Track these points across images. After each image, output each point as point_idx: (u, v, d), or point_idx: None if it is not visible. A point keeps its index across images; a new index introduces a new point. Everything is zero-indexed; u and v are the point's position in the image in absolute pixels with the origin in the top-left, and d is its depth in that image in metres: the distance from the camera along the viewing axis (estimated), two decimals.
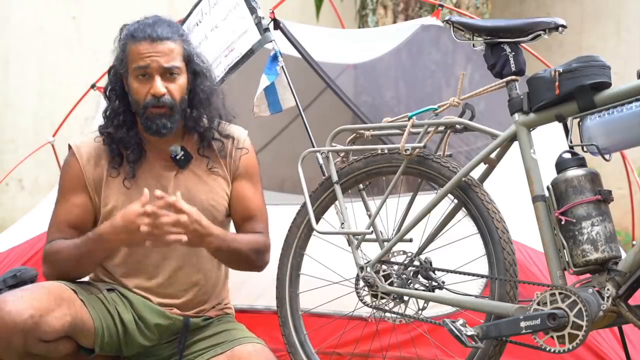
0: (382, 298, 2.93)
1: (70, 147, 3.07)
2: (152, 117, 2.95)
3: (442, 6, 4.69)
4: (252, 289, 3.61)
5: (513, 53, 2.78)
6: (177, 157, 3.03)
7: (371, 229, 2.99)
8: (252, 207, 3.10)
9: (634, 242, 4.71)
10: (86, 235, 2.92)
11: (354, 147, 3.08)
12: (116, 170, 3.02)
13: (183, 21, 3.94)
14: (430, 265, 2.92)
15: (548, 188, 2.68)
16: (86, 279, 3.13)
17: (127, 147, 3.01)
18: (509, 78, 2.78)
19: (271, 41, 3.66)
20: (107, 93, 3.06)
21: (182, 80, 2.99)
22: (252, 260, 3.05)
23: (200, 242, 2.89)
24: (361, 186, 3.07)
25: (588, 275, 2.65)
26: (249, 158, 3.12)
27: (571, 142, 2.67)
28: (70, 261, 2.93)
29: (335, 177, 3.05)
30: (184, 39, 3.03)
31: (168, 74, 2.96)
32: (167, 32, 2.99)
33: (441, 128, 2.89)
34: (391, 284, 2.93)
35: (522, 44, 2.79)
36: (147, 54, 2.95)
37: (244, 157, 3.10)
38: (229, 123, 3.13)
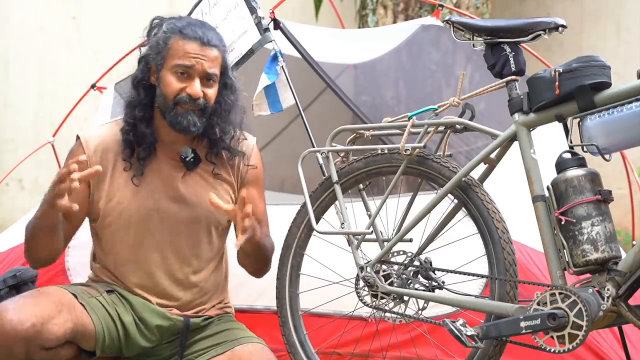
0: (382, 298, 2.93)
1: (78, 137, 3.05)
2: (182, 113, 2.95)
3: (442, 6, 4.69)
4: (252, 289, 3.61)
5: (513, 53, 2.78)
6: (187, 159, 3.03)
7: (371, 229, 2.99)
8: (258, 211, 3.11)
9: (634, 242, 4.71)
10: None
11: (354, 147, 3.08)
12: (125, 164, 3.01)
13: None
14: (430, 265, 2.92)
15: (548, 188, 2.68)
16: (85, 279, 3.13)
17: (140, 143, 3.01)
18: (509, 78, 2.78)
19: (271, 41, 3.66)
20: (135, 83, 3.03)
21: (216, 88, 3.00)
22: (269, 260, 3.08)
23: (256, 233, 2.87)
24: (361, 186, 3.07)
25: (588, 275, 2.65)
26: (258, 165, 3.14)
27: (571, 142, 2.67)
28: (31, 234, 2.90)
29: (335, 177, 3.05)
30: (225, 50, 3.04)
31: (206, 79, 2.97)
32: (216, 39, 3.00)
33: (441, 128, 2.89)
34: (391, 284, 2.93)
35: (522, 44, 2.79)
36: (195, 55, 2.94)
37: (254, 165, 3.12)
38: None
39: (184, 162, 3.03)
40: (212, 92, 2.98)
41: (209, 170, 3.06)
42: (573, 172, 2.63)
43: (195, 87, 2.94)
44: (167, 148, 3.04)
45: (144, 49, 3.05)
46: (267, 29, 3.68)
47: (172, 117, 2.96)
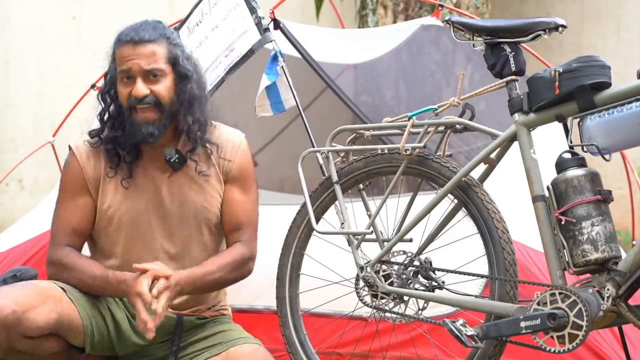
0: (382, 298, 2.93)
1: (70, 147, 3.08)
2: (137, 124, 2.95)
3: (442, 6, 4.68)
4: (252, 289, 3.61)
5: (513, 53, 2.78)
6: (172, 160, 3.03)
7: (371, 229, 2.99)
8: (240, 213, 3.07)
9: (634, 242, 4.71)
10: (107, 272, 2.93)
11: (354, 147, 3.08)
12: (114, 170, 3.03)
13: (183, 21, 3.94)
14: (430, 265, 2.92)
15: (548, 188, 2.68)
16: None
17: (123, 147, 3.02)
18: (509, 78, 2.78)
19: (271, 41, 3.66)
20: (102, 97, 3.07)
21: (167, 82, 2.98)
22: (231, 280, 3.05)
23: (174, 297, 2.90)
24: (361, 186, 3.07)
25: (588, 275, 2.65)
26: (244, 161, 3.10)
27: (571, 142, 2.67)
28: (80, 283, 2.94)
29: (335, 177, 3.05)
30: (170, 41, 3.01)
31: (151, 76, 2.96)
32: (150, 34, 2.97)
33: (441, 128, 2.89)
34: (391, 284, 2.93)
35: (522, 44, 2.79)
36: (129, 57, 2.95)
37: (239, 161, 3.09)
38: (227, 126, 3.13)
39: (169, 163, 3.04)
40: (160, 87, 2.96)
41: (195, 168, 3.06)
42: (573, 172, 2.63)
43: (138, 87, 2.94)
44: (152, 151, 3.04)
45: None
46: (267, 29, 3.68)
47: (130, 128, 2.97)
